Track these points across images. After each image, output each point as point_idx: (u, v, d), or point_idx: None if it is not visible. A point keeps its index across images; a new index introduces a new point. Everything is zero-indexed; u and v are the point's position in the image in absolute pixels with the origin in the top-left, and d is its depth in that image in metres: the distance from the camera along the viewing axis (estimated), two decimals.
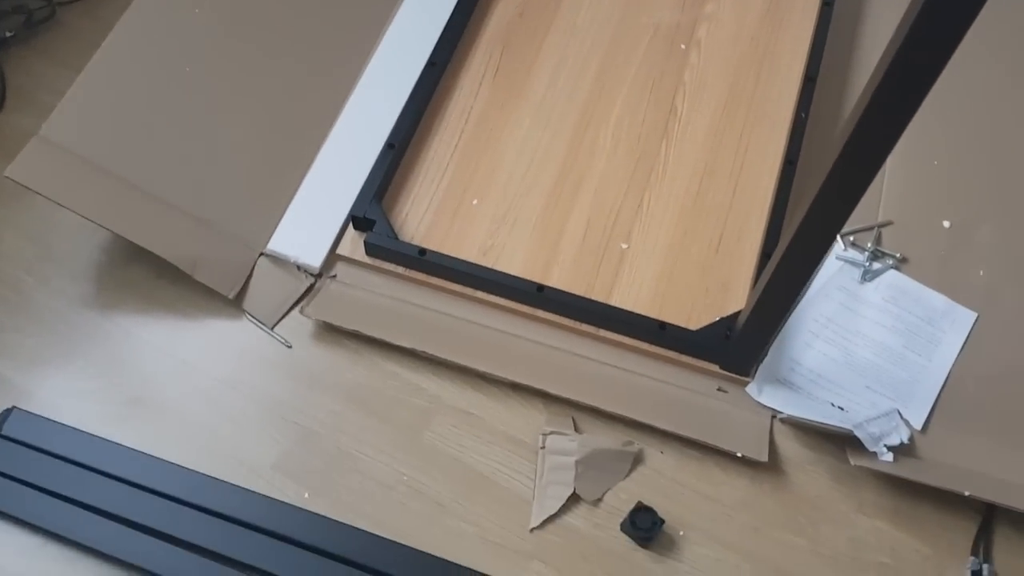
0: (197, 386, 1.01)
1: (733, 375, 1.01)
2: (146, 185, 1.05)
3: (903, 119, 0.63)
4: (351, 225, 1.08)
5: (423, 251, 1.04)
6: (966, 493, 0.91)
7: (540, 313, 1.04)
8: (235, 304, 1.04)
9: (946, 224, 1.12)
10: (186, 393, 1.00)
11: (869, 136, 0.65)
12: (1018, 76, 1.23)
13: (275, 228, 1.07)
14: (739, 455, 0.95)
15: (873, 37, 1.26)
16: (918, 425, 0.98)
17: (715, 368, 1.01)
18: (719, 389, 1.01)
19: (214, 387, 1.01)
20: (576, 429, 0.98)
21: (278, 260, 1.06)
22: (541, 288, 1.02)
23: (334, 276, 1.06)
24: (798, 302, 1.05)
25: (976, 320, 1.05)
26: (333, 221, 1.08)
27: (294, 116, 1.15)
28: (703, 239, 1.10)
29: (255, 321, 1.04)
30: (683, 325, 1.02)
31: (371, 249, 1.05)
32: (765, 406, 0.99)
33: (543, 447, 0.96)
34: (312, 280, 1.06)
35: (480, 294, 1.05)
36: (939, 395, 1.00)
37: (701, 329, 1.01)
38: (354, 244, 1.07)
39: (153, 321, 1.05)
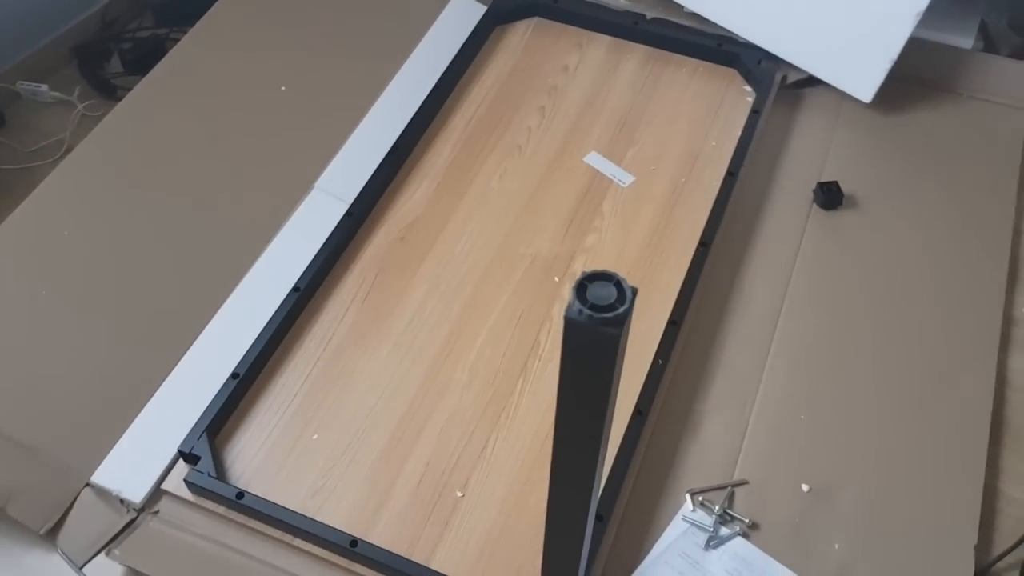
0: None
1: None
2: None
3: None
4: (181, 460, 1.05)
5: (241, 494, 1.01)
6: None
7: (356, 567, 0.99)
8: (49, 539, 1.01)
9: (805, 488, 1.06)
10: None
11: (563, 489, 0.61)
12: (900, 326, 1.19)
13: (103, 458, 1.05)
14: None
15: (748, 286, 1.24)
16: None
17: None
18: None
19: None
20: None
21: (102, 492, 1.04)
22: (355, 543, 0.98)
23: (156, 512, 1.03)
24: (634, 564, 0.99)
25: None
26: (164, 454, 1.06)
27: (143, 342, 1.15)
28: (543, 490, 1.04)
29: (66, 558, 1.00)
30: None
31: (192, 487, 1.03)
32: None
33: None
34: (133, 515, 1.03)
35: (298, 542, 1.01)
36: None
37: None
38: (181, 480, 1.04)
39: None
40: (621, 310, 0.47)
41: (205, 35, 1.45)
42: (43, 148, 1.40)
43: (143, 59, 1.50)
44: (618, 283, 0.48)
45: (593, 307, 0.48)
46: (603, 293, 0.48)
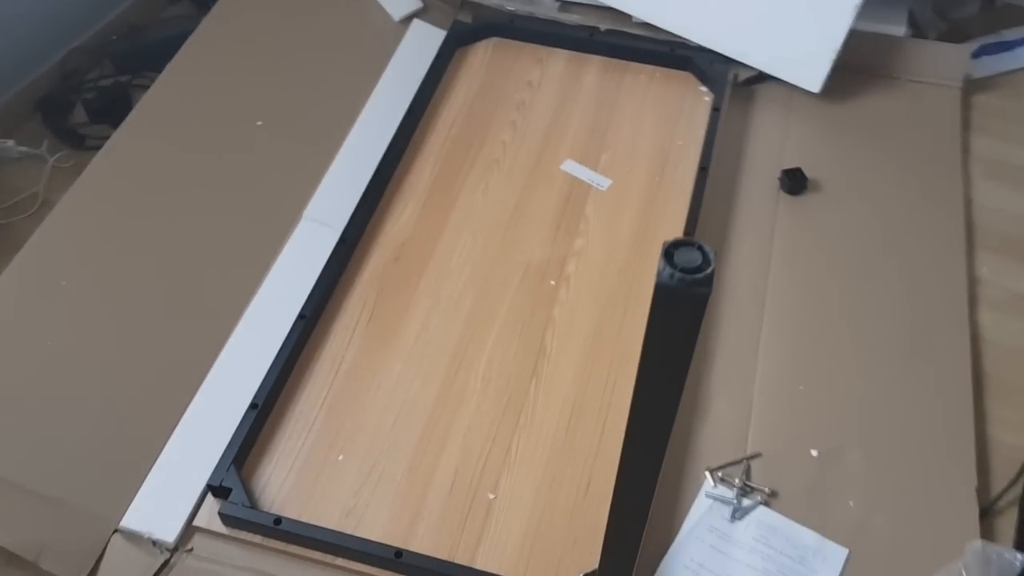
0: None
1: None
2: None
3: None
4: (210, 494, 1.06)
5: (279, 519, 1.02)
6: None
7: None
8: None
9: (814, 453, 1.12)
10: None
11: (636, 449, 0.65)
12: (875, 294, 1.27)
13: (131, 501, 1.05)
14: None
15: (733, 272, 1.30)
16: None
17: None
18: None
19: None
20: None
21: (133, 536, 1.03)
22: (400, 553, 1.00)
23: (190, 550, 1.03)
24: (666, 543, 1.03)
25: (847, 557, 1.03)
26: (191, 491, 1.06)
27: (156, 382, 1.15)
28: (571, 484, 1.09)
29: None
30: None
31: (227, 519, 1.03)
32: None
33: None
34: (167, 555, 1.03)
35: (340, 561, 1.02)
36: None
37: None
38: (212, 514, 1.05)
39: None
40: (709, 271, 0.52)
41: (175, 79, 1.46)
42: (17, 203, 1.39)
43: (108, 107, 1.50)
44: (700, 247, 0.53)
45: (683, 270, 0.52)
46: (689, 257, 0.53)
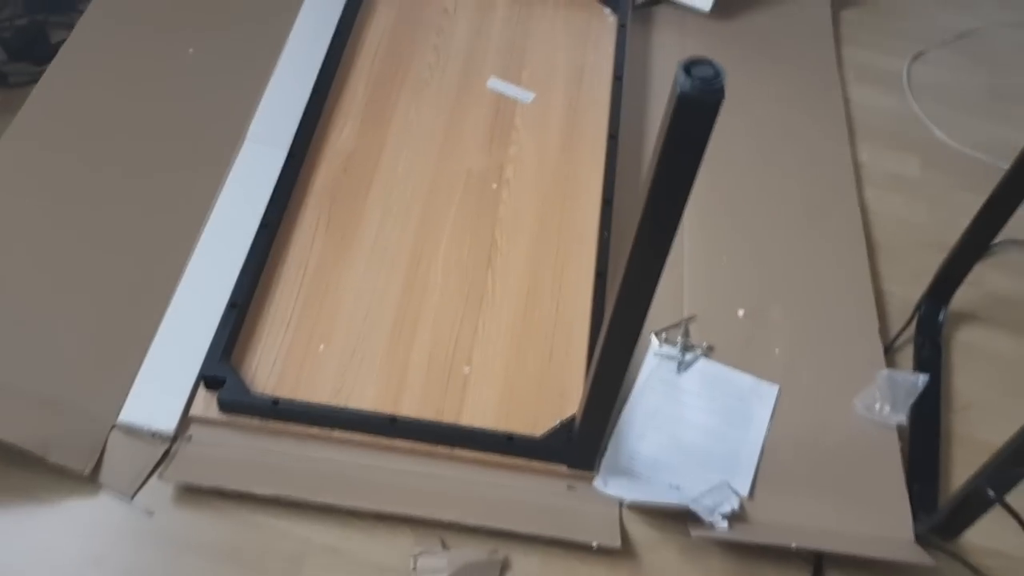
0: (59, 570, 0.99)
1: (580, 472, 1.10)
2: None
3: (665, 243, 0.76)
4: (202, 385, 1.11)
5: (276, 400, 1.09)
6: (793, 545, 1.03)
7: (396, 442, 1.10)
8: (91, 480, 1.04)
9: (740, 312, 1.28)
10: None
11: (646, 248, 0.77)
12: (776, 181, 1.44)
13: (125, 397, 1.09)
14: (595, 545, 1.03)
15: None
16: (745, 492, 1.10)
17: (563, 469, 1.10)
18: (569, 487, 1.09)
19: (78, 569, 1.00)
20: (444, 546, 1.04)
21: (131, 430, 1.08)
22: (394, 419, 1.09)
23: (190, 438, 1.09)
24: (624, 398, 1.17)
25: (779, 392, 1.20)
26: (183, 383, 1.11)
27: (134, 285, 1.19)
28: (536, 354, 1.20)
29: (114, 493, 1.04)
30: (529, 434, 1.10)
31: (225, 405, 1.09)
32: (612, 496, 1.08)
33: (414, 568, 1.01)
34: (168, 445, 1.08)
35: (336, 433, 1.10)
36: (759, 463, 1.13)
37: (545, 435, 1.10)
38: (207, 403, 1.10)
39: (6, 510, 1.03)
40: (722, 79, 0.64)
41: (100, 15, 1.47)
42: None
43: (28, 45, 1.49)
44: (711, 64, 0.65)
45: (701, 80, 0.64)
46: (704, 71, 0.64)
